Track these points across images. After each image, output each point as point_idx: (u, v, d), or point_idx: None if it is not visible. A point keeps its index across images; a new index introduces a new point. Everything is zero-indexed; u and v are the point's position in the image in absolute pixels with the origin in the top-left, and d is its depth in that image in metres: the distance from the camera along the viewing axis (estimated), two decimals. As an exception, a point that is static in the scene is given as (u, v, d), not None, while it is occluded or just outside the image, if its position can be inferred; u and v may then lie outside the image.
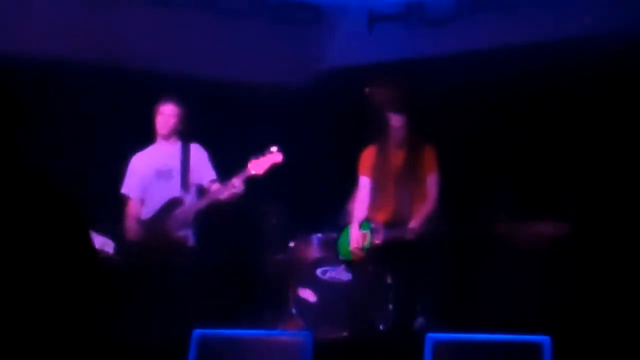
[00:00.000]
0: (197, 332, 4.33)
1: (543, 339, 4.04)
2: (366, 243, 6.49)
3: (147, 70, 7.36)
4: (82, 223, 6.54)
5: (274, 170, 7.68)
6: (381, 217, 6.56)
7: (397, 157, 6.66)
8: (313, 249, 7.16)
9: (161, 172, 6.52)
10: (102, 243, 6.50)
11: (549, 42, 7.19)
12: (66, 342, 6.36)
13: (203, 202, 6.50)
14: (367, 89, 6.78)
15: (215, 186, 6.52)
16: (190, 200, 6.52)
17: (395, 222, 6.51)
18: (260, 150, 6.68)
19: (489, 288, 6.90)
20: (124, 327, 6.06)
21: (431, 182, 6.62)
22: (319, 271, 7.03)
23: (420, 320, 6.52)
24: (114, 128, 6.84)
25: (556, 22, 7.22)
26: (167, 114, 6.54)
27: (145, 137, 6.66)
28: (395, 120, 6.67)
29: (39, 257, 7.11)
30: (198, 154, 6.60)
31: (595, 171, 6.95)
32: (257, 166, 6.45)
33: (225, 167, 6.84)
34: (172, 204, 6.44)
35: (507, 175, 7.19)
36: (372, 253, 6.49)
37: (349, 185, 7.00)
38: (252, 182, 7.66)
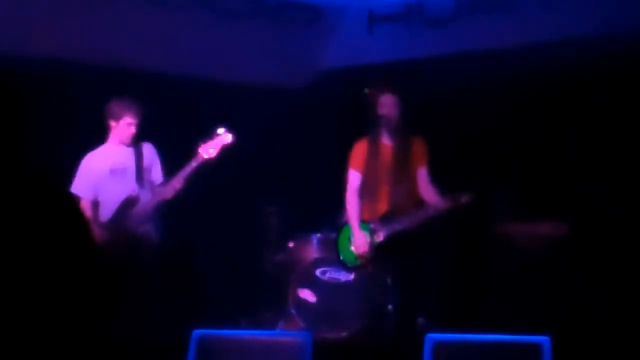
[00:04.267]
0: (197, 332, 4.32)
1: (543, 339, 4.03)
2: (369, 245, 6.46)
3: (146, 71, 7.37)
4: (82, 222, 6.51)
5: (274, 169, 7.72)
6: (377, 212, 6.50)
7: (388, 150, 6.50)
8: (312, 249, 7.16)
9: (115, 170, 6.50)
10: None
11: (549, 42, 7.19)
12: (67, 341, 6.34)
13: (154, 200, 6.47)
14: (366, 90, 6.73)
15: (159, 188, 6.49)
16: (146, 196, 6.49)
17: (392, 216, 6.43)
18: (258, 150, 6.69)
19: (489, 288, 6.91)
20: (124, 327, 6.09)
21: (422, 176, 6.45)
22: (318, 271, 7.03)
23: (420, 320, 6.50)
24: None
25: (556, 22, 7.21)
26: (130, 123, 6.51)
27: (145, 135, 6.65)
28: (386, 103, 6.47)
29: (42, 258, 7.05)
30: (150, 153, 6.59)
31: (595, 171, 6.95)
32: (208, 150, 6.41)
33: (224, 167, 6.85)
34: (129, 202, 6.42)
35: (508, 176, 7.19)
36: (377, 252, 6.44)
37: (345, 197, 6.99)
38: (252, 183, 7.69)
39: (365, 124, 6.58)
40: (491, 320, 6.09)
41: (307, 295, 7.01)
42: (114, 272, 6.32)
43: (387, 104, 6.48)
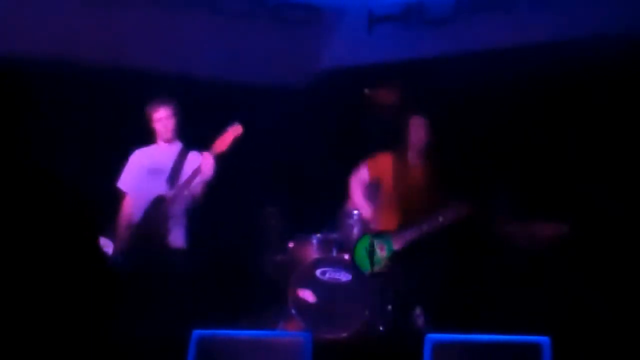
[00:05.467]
0: (197, 332, 4.33)
1: (543, 339, 4.03)
2: (385, 253, 6.69)
3: (147, 71, 7.37)
4: (89, 225, 6.56)
5: (274, 170, 7.71)
6: (390, 222, 6.78)
7: (417, 171, 6.83)
8: (312, 250, 7.16)
9: (153, 169, 6.51)
10: (102, 244, 6.51)
11: (549, 43, 7.19)
12: (67, 341, 6.37)
13: (182, 197, 6.46)
14: (366, 90, 6.80)
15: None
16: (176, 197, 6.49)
17: (406, 227, 6.74)
18: (258, 150, 6.67)
19: (489, 288, 6.91)
20: (124, 327, 6.10)
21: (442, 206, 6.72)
22: (318, 271, 7.03)
23: (417, 312, 6.59)
24: (114, 128, 6.84)
25: (556, 22, 7.22)
26: (165, 117, 6.53)
27: (145, 137, 6.66)
28: (417, 125, 6.79)
29: (43, 258, 7.12)
30: (196, 160, 6.56)
31: (595, 171, 6.95)
32: (221, 143, 6.41)
33: (224, 168, 6.85)
34: (158, 202, 6.42)
35: (508, 176, 7.19)
36: (393, 260, 6.67)
37: (349, 186, 7.01)
38: (252, 183, 7.68)
39: (364, 124, 6.61)
40: (491, 320, 6.09)
41: (307, 295, 7.01)
42: (116, 272, 6.33)
43: (418, 127, 6.80)
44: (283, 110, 7.78)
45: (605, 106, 6.95)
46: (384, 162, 6.88)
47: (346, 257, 6.86)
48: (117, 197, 6.69)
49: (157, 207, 6.40)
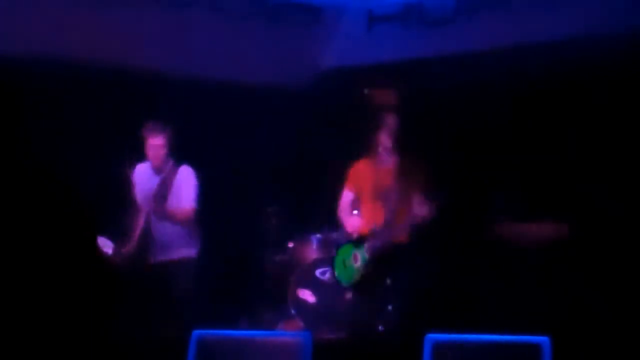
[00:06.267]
0: (197, 332, 4.32)
1: (543, 339, 4.03)
2: (360, 260, 6.62)
3: (146, 71, 7.36)
4: (88, 225, 6.56)
5: (274, 170, 7.71)
6: (368, 227, 6.66)
7: (387, 174, 6.66)
8: (312, 250, 7.16)
9: (147, 197, 6.57)
10: (102, 244, 6.52)
11: (549, 42, 7.19)
12: (68, 341, 6.36)
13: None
14: (366, 90, 6.78)
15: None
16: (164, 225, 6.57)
17: (374, 233, 6.63)
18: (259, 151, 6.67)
19: (489, 288, 6.91)
20: (124, 327, 6.10)
21: (417, 203, 6.55)
22: (318, 272, 7.03)
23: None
24: (114, 128, 6.83)
25: (556, 22, 7.21)
26: (158, 145, 6.54)
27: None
28: (390, 123, 6.65)
29: (43, 257, 7.12)
30: (182, 177, 6.61)
31: (595, 171, 6.95)
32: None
33: (224, 168, 6.86)
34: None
35: (508, 176, 7.19)
36: (370, 266, 6.59)
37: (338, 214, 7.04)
38: (252, 183, 7.69)
39: (363, 125, 6.61)
40: (491, 320, 6.09)
41: (307, 295, 7.01)
42: (116, 273, 6.34)
43: (387, 126, 6.63)
44: (283, 110, 7.79)
45: (605, 106, 6.94)
46: (362, 170, 6.77)
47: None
48: (116, 196, 6.69)
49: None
